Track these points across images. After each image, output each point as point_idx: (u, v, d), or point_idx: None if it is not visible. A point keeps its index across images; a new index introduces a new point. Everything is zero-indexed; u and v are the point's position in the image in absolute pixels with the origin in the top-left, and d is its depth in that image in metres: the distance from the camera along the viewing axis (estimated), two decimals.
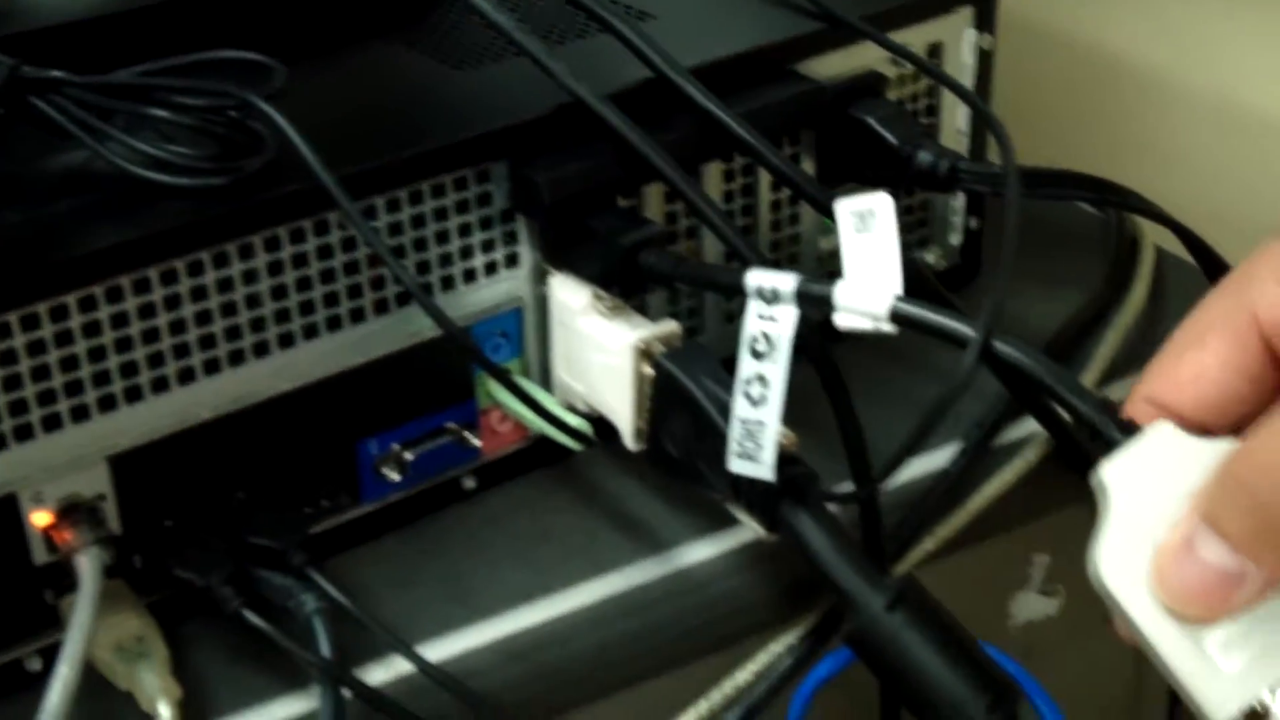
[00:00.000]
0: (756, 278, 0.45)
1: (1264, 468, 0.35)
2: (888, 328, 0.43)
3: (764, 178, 0.58)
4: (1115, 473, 0.38)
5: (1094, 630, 0.49)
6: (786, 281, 0.45)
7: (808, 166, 0.58)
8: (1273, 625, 0.36)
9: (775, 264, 0.58)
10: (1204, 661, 0.36)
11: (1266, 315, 0.38)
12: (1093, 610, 0.45)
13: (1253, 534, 0.35)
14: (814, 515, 0.45)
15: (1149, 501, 0.37)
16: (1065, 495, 0.54)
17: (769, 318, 0.45)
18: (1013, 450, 0.56)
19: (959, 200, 0.64)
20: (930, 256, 0.65)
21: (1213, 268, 0.61)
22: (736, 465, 0.45)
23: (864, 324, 0.44)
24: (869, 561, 0.45)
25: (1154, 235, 0.67)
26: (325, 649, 0.46)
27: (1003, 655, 0.48)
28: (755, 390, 0.45)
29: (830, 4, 0.58)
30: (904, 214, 0.63)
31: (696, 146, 0.54)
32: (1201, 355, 0.38)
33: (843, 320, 0.44)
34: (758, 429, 0.45)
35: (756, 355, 0.45)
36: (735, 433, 0.45)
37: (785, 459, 0.46)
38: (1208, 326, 0.39)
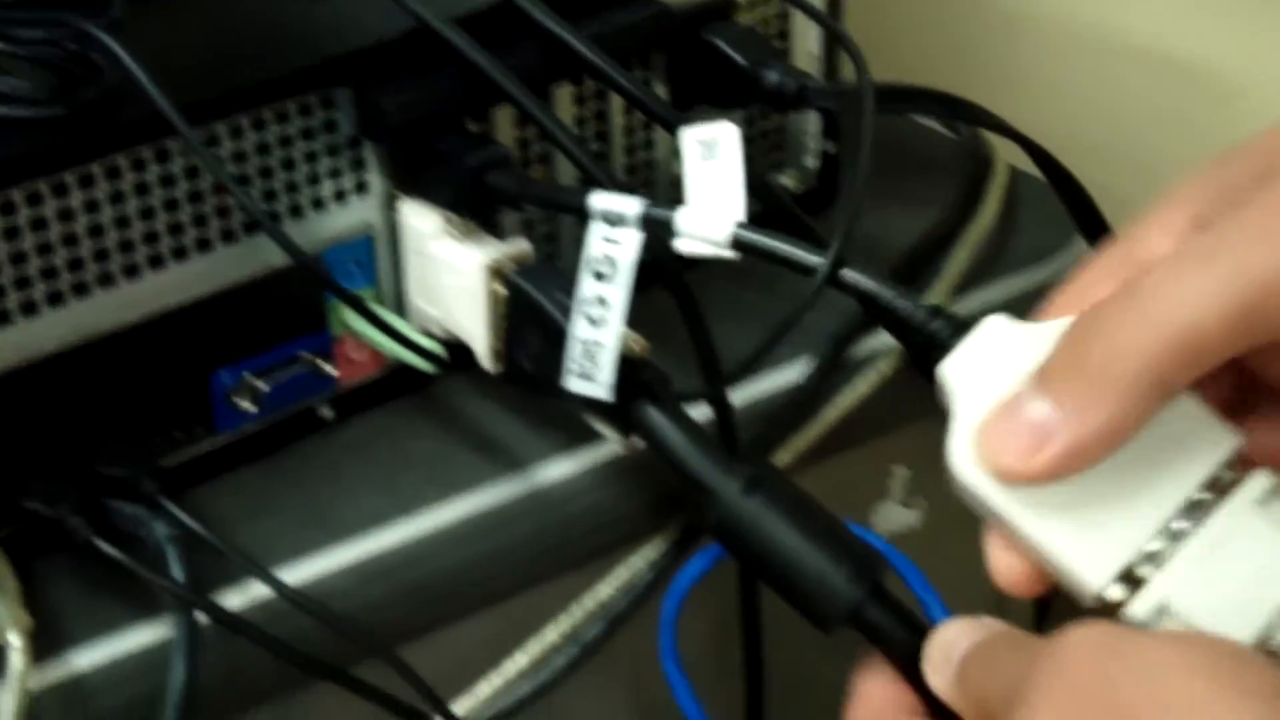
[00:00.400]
0: (600, 200, 0.46)
1: (1095, 324, 0.35)
2: (729, 254, 0.44)
3: (615, 102, 0.58)
4: (955, 368, 0.39)
5: (957, 541, 0.50)
6: (630, 205, 0.45)
7: (660, 90, 0.58)
8: (1130, 490, 0.36)
9: (629, 189, 0.59)
10: (1069, 535, 0.37)
11: None
12: (955, 521, 0.46)
13: (1074, 387, 0.35)
14: (667, 412, 0.46)
15: (989, 388, 0.37)
16: (922, 407, 0.55)
17: (612, 240, 0.45)
18: (867, 362, 0.57)
19: (813, 124, 0.65)
20: (787, 180, 0.65)
21: (1060, 181, 0.62)
22: (574, 385, 0.46)
23: (706, 250, 0.44)
24: (724, 452, 0.45)
25: (1007, 155, 0.68)
26: (178, 574, 0.45)
27: (887, 546, 0.48)
28: (595, 311, 0.45)
29: None
30: (759, 138, 0.64)
31: (545, 69, 0.54)
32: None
33: (685, 246, 0.44)
34: (596, 349, 0.45)
35: (599, 277, 0.45)
36: (574, 353, 0.46)
37: (637, 363, 0.47)
38: (1094, 281, 0.38)
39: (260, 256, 0.51)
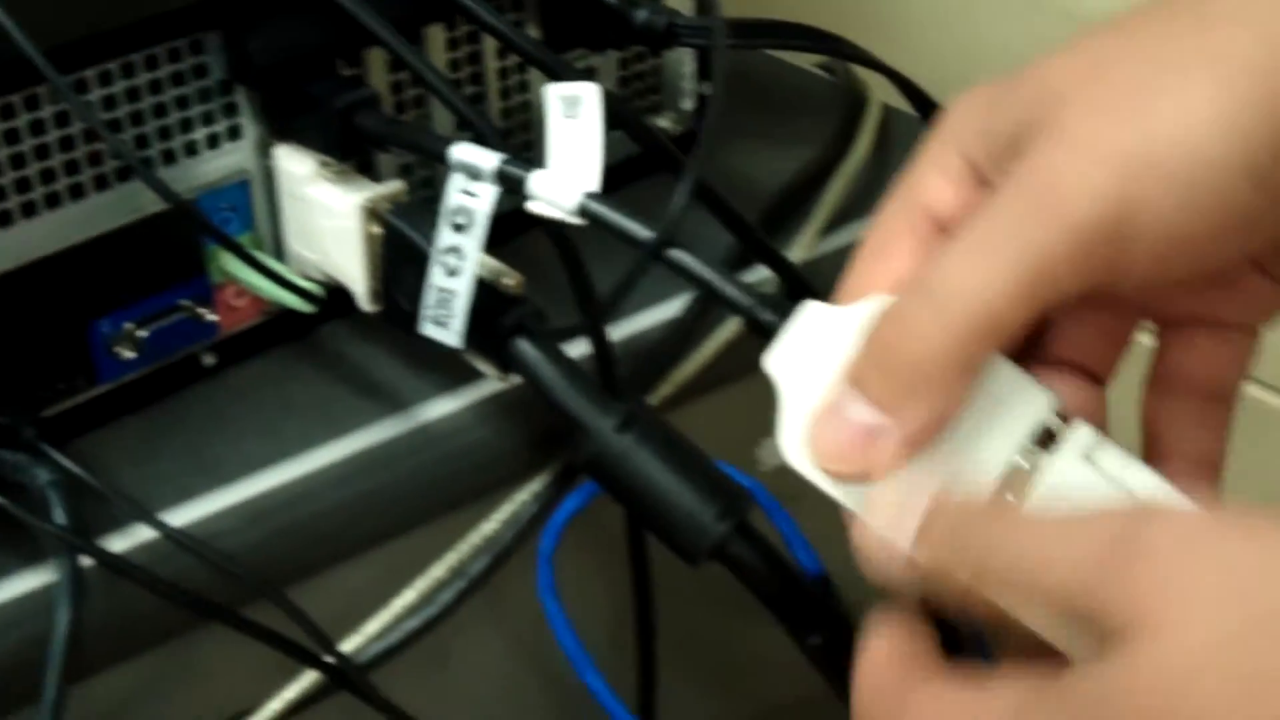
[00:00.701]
0: (460, 152, 0.46)
1: (896, 325, 0.36)
2: (576, 220, 0.44)
3: (489, 44, 0.58)
4: (777, 360, 0.39)
5: None
6: (488, 159, 0.46)
7: (534, 32, 0.59)
8: (957, 458, 0.37)
9: (504, 131, 0.59)
10: (899, 519, 0.37)
11: (941, 213, 0.38)
12: None
13: (890, 389, 0.36)
14: (542, 348, 0.47)
15: (810, 379, 0.38)
16: None
17: (470, 193, 0.46)
18: None
19: (688, 65, 0.66)
20: (664, 122, 0.66)
21: (933, 117, 0.63)
22: (428, 330, 0.46)
23: (556, 214, 0.45)
24: (598, 388, 0.46)
25: (883, 94, 0.69)
26: (61, 518, 0.45)
27: (756, 485, 0.49)
28: (451, 261, 0.46)
29: None
30: (635, 80, 0.64)
31: (416, 11, 0.54)
32: (887, 268, 0.38)
33: (535, 208, 0.45)
34: (450, 298, 0.46)
35: (456, 228, 0.46)
36: (429, 299, 0.46)
37: (512, 299, 0.47)
38: (887, 237, 0.39)
39: (135, 203, 0.51)
